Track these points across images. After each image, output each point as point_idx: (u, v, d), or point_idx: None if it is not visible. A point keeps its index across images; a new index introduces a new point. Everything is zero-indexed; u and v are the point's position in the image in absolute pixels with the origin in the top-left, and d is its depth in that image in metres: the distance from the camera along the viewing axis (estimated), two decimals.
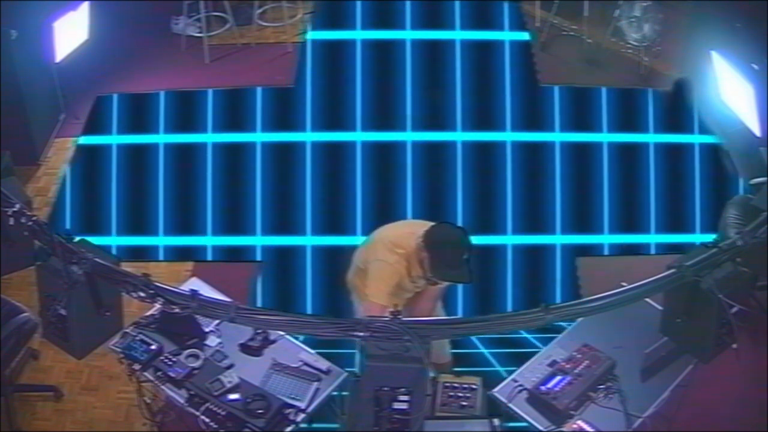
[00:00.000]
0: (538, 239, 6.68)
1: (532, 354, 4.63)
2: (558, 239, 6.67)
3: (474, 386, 4.57)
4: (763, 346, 5.36)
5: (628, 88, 7.20)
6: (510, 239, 6.64)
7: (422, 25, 7.26)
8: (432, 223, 4.58)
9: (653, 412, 4.35)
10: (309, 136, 6.93)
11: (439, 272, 4.40)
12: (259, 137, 6.93)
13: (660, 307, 3.88)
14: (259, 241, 6.65)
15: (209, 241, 6.64)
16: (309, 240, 6.63)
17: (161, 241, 6.65)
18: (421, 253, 4.40)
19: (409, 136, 6.93)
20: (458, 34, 7.27)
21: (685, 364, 4.43)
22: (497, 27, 7.31)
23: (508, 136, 6.93)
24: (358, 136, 6.94)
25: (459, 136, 6.94)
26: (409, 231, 4.56)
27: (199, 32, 7.92)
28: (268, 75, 7.50)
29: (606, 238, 6.72)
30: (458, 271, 4.34)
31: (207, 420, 4.30)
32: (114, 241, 6.61)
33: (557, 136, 6.93)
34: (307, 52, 7.24)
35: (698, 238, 6.62)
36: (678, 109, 6.99)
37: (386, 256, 4.45)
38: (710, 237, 6.21)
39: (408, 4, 7.27)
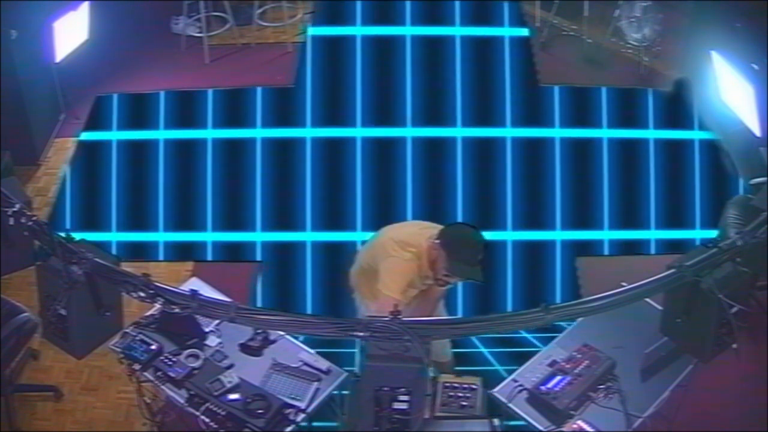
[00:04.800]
0: (538, 235, 6.68)
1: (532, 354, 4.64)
2: (558, 235, 6.67)
3: (474, 386, 4.56)
4: (763, 346, 5.36)
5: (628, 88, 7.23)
6: (510, 235, 6.64)
7: (422, 21, 7.30)
8: (434, 224, 4.60)
9: (653, 412, 4.35)
10: (309, 132, 6.93)
11: (456, 269, 4.41)
12: (259, 133, 6.93)
13: (660, 307, 3.88)
14: (258, 237, 6.64)
15: (209, 237, 6.63)
16: (309, 236, 6.63)
17: (161, 236, 6.65)
18: (434, 252, 4.41)
19: (409, 132, 6.94)
20: (458, 30, 7.28)
21: (685, 364, 4.43)
22: (497, 24, 7.34)
23: (508, 132, 6.94)
24: (359, 132, 6.95)
25: (459, 132, 6.95)
26: (417, 231, 4.57)
27: (199, 32, 7.91)
28: (268, 75, 7.50)
29: (606, 234, 6.71)
30: (475, 269, 4.36)
31: (207, 420, 4.29)
32: (114, 236, 6.63)
33: (557, 132, 6.93)
34: (307, 50, 7.26)
35: (698, 234, 6.63)
36: (678, 109, 7.00)
37: (400, 254, 4.45)
38: (710, 233, 6.30)
39: (408, 4, 7.31)
